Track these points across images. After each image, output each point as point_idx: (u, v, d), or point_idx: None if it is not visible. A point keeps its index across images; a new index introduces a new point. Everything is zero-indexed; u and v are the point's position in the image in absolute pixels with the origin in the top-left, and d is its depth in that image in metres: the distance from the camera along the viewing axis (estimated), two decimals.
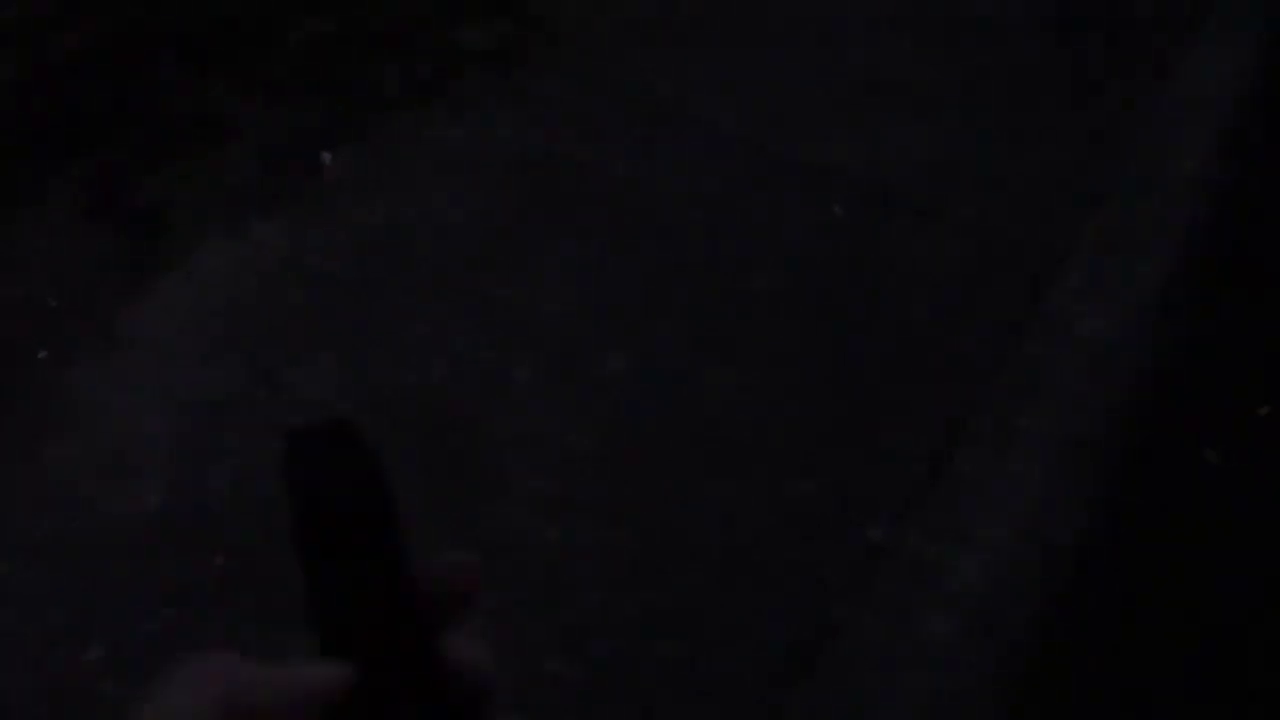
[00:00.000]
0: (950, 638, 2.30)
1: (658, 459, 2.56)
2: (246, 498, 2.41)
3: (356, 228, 3.06)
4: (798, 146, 3.41)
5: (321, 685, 0.49)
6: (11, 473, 2.47)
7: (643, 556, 2.38)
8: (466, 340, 2.78)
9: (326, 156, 3.20)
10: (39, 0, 3.63)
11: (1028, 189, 3.34)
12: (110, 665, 2.15)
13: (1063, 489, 2.60)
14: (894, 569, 2.40)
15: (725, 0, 3.99)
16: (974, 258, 3.11)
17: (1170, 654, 2.30)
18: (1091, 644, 2.30)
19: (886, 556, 2.41)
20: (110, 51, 3.51)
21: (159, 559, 2.32)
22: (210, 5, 3.73)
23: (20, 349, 2.71)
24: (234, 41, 3.61)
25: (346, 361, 2.71)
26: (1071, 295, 3.05)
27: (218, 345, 2.74)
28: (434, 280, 2.93)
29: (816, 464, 2.57)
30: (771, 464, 2.57)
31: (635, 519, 2.44)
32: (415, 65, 3.59)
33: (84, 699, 2.11)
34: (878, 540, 2.44)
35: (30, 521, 2.38)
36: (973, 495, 2.56)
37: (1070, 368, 2.87)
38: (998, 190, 3.33)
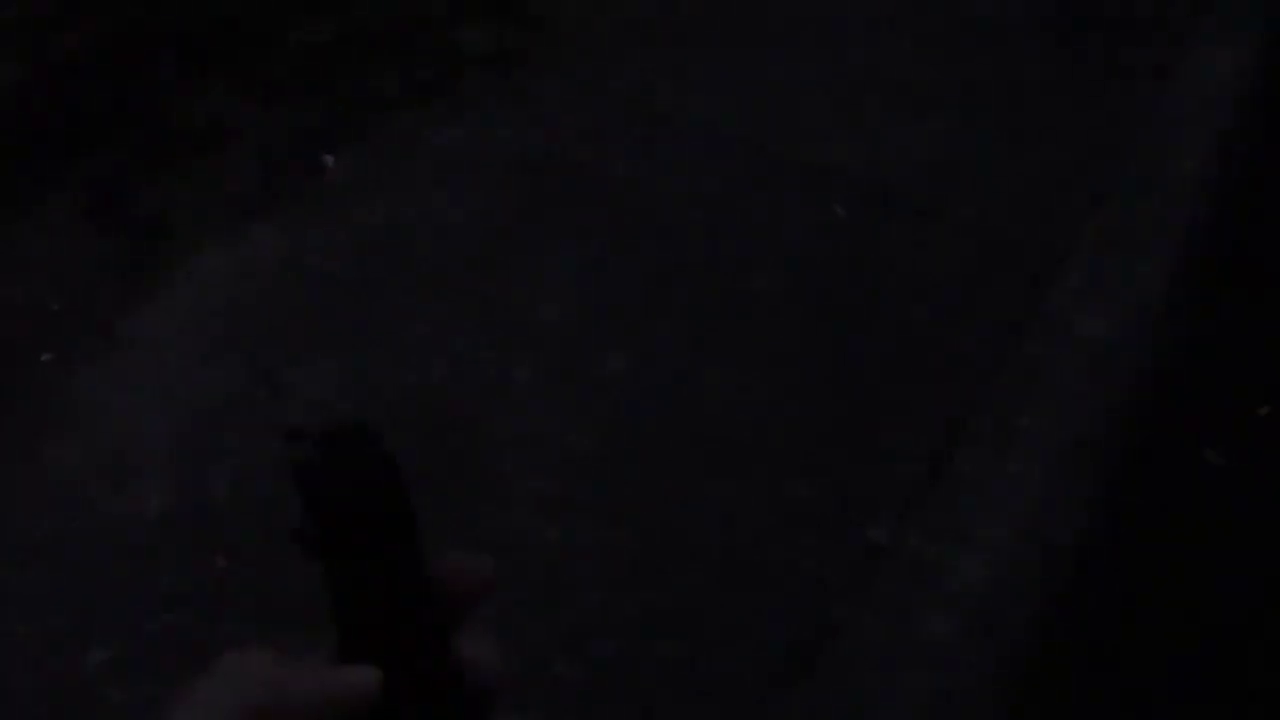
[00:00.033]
0: (950, 638, 2.30)
1: (658, 459, 2.56)
2: (247, 498, 2.41)
3: (356, 228, 3.06)
4: (798, 146, 3.41)
5: (351, 687, 0.50)
6: (12, 473, 2.47)
7: (643, 556, 2.38)
8: (466, 340, 2.79)
9: (329, 159, 3.20)
10: (39, 0, 3.63)
11: (1028, 189, 3.34)
12: (111, 667, 2.15)
13: (1063, 489, 2.60)
14: (894, 569, 2.40)
15: (725, 0, 3.99)
16: (974, 258, 3.11)
17: (1170, 654, 2.30)
18: (1091, 644, 2.30)
19: (886, 556, 2.41)
20: (110, 51, 3.51)
21: (159, 560, 2.32)
22: (210, 6, 3.73)
23: (21, 350, 2.71)
24: (234, 42, 3.62)
25: (346, 361, 2.71)
26: (1072, 295, 3.05)
27: (218, 345, 2.74)
28: (434, 280, 2.93)
29: (816, 464, 2.57)
30: (771, 464, 2.57)
31: (635, 519, 2.44)
32: (415, 66, 3.60)
33: (85, 701, 2.11)
34: (878, 540, 2.44)
35: (30, 522, 2.38)
36: (973, 495, 2.56)
37: (1070, 368, 2.87)
38: (998, 190, 3.33)
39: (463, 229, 3.08)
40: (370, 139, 3.32)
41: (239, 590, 2.26)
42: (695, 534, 2.43)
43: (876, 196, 3.27)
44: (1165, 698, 2.23)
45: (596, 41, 3.76)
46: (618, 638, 2.24)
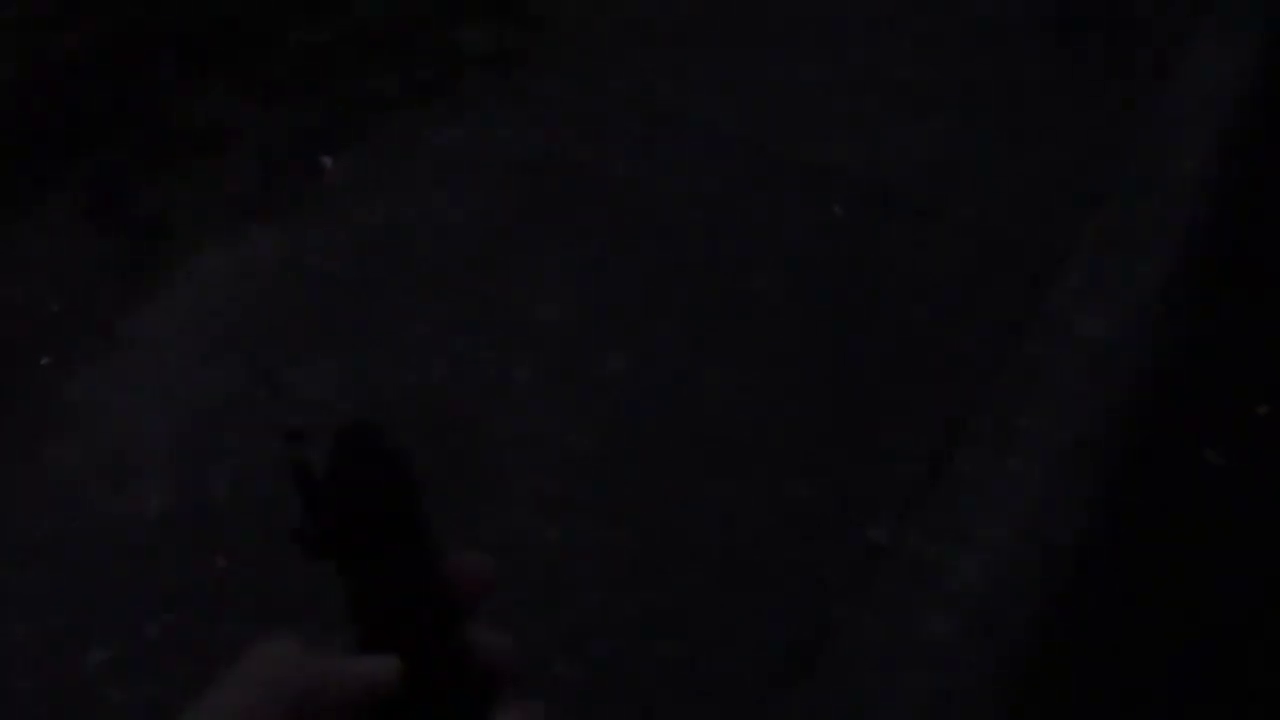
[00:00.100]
0: (950, 638, 2.30)
1: (658, 459, 2.56)
2: (247, 498, 2.41)
3: (356, 228, 3.06)
4: (798, 146, 3.41)
5: (373, 675, 0.53)
6: (12, 473, 2.47)
7: (643, 556, 2.38)
8: (466, 340, 2.79)
9: (327, 161, 3.20)
10: (39, 0, 3.63)
11: (1028, 189, 3.34)
12: (111, 667, 2.15)
13: (1063, 489, 2.60)
14: (894, 569, 2.40)
15: (725, 0, 3.99)
16: (974, 258, 3.11)
17: (1170, 654, 2.30)
18: (1091, 644, 2.30)
19: (886, 556, 2.41)
20: (110, 51, 3.51)
21: (159, 560, 2.32)
22: (210, 6, 3.73)
23: (21, 350, 2.71)
24: (234, 42, 3.62)
25: (346, 361, 2.71)
26: (1071, 295, 3.05)
27: (218, 346, 2.74)
28: (434, 280, 2.93)
29: (816, 464, 2.57)
30: (771, 464, 2.57)
31: (635, 519, 2.44)
32: (415, 66, 3.60)
33: (85, 701, 2.11)
34: (878, 540, 2.44)
35: (30, 522, 2.38)
36: (973, 495, 2.56)
37: (1070, 368, 2.87)
38: (998, 190, 3.33)
39: (463, 229, 3.08)
40: (370, 139, 3.32)
41: (239, 590, 2.26)
42: (695, 534, 2.43)
43: (876, 196, 3.27)
44: (1165, 698, 2.23)
45: (596, 41, 3.76)
46: (617, 638, 2.24)
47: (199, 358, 2.71)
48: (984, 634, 2.32)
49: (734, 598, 2.33)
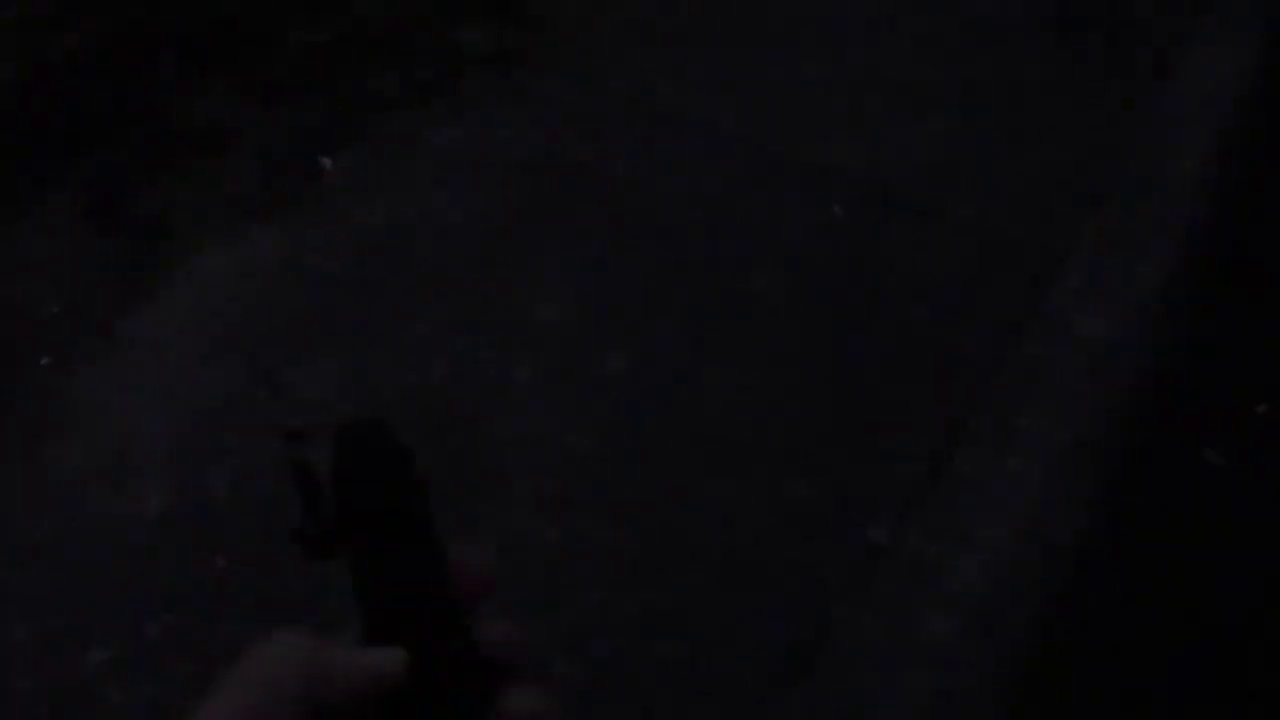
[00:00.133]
0: (950, 638, 2.30)
1: (658, 459, 2.56)
2: (247, 498, 2.41)
3: (356, 228, 3.06)
4: (798, 146, 3.41)
5: (381, 666, 0.54)
6: (12, 473, 2.47)
7: (643, 556, 2.38)
8: (466, 340, 2.79)
9: (326, 161, 3.20)
10: (39, 0, 3.63)
11: (1028, 189, 3.34)
12: (111, 667, 2.15)
13: (1063, 489, 2.60)
14: (894, 569, 2.40)
15: (725, 0, 3.99)
16: (974, 258, 3.11)
17: (1170, 654, 2.30)
18: (1091, 644, 2.30)
19: (886, 556, 2.41)
20: (110, 51, 3.51)
21: (159, 560, 2.32)
22: (210, 6, 3.73)
23: (21, 350, 2.71)
24: (234, 42, 3.62)
25: (346, 361, 2.71)
26: (1071, 295, 3.05)
27: (218, 346, 2.74)
28: (434, 280, 2.93)
29: (816, 464, 2.57)
30: (771, 464, 2.57)
31: (635, 519, 2.44)
32: (415, 66, 3.60)
33: (85, 701, 2.11)
34: (878, 540, 2.44)
35: (30, 522, 2.38)
36: (973, 495, 2.56)
37: (1070, 368, 2.87)
38: (998, 190, 3.33)
39: (463, 229, 3.08)
40: (370, 139, 3.32)
41: (239, 590, 2.26)
42: (695, 534, 2.43)
43: (876, 196, 3.27)
44: (1165, 698, 2.23)
45: (596, 41, 3.76)
46: (617, 638, 2.24)
47: (199, 358, 2.71)
48: (984, 634, 2.32)
49: (734, 598, 2.33)
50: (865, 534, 2.45)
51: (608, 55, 3.71)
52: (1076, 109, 3.66)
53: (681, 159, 3.34)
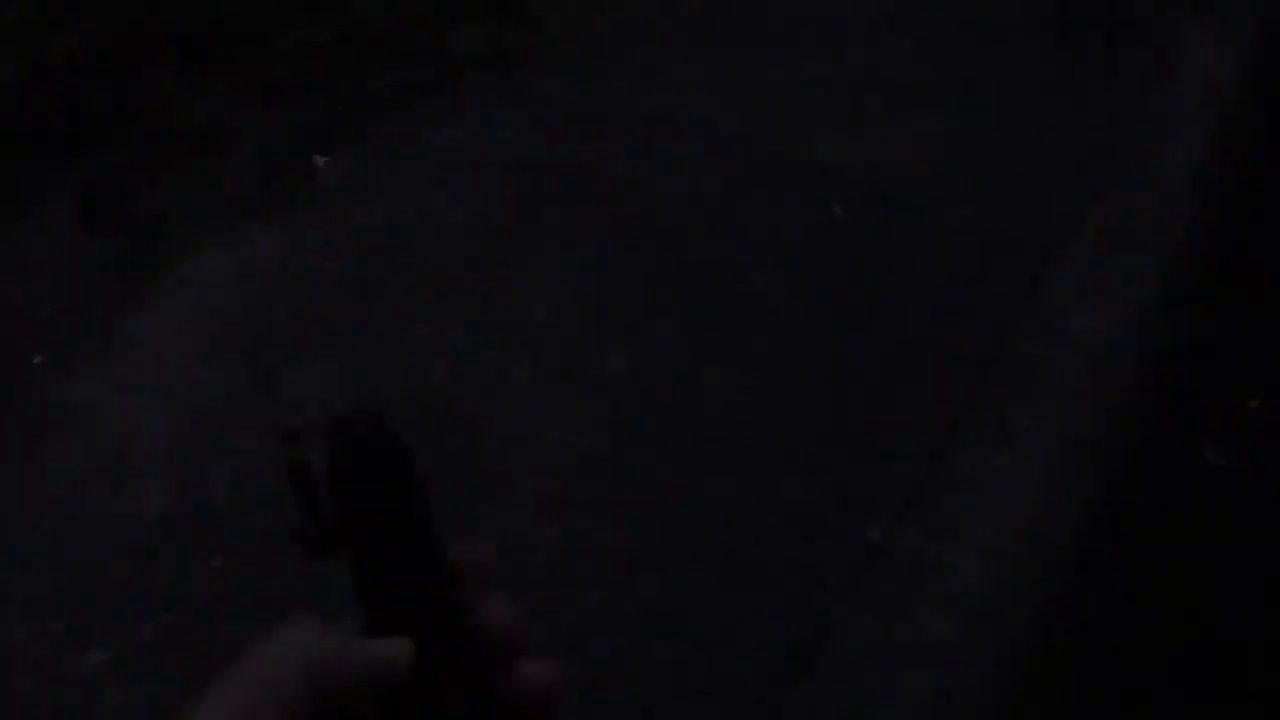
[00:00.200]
0: (950, 638, 2.30)
1: (658, 459, 2.56)
2: (246, 498, 2.41)
3: (356, 228, 3.06)
4: (798, 146, 3.41)
5: (388, 657, 0.54)
6: (12, 473, 2.47)
7: (643, 556, 2.38)
8: (466, 340, 2.79)
9: (320, 160, 3.20)
10: (39, 0, 3.63)
11: (1027, 188, 3.34)
12: (111, 667, 2.15)
13: (1063, 489, 2.60)
14: (894, 569, 2.40)
15: (725, 0, 3.99)
16: (973, 257, 3.11)
17: (1170, 654, 2.30)
18: (1091, 644, 2.30)
19: (886, 556, 2.41)
20: (110, 51, 3.51)
21: (159, 560, 2.32)
22: (210, 6, 3.73)
23: (20, 350, 2.71)
24: (233, 43, 3.62)
25: (346, 361, 2.71)
26: (1071, 294, 3.05)
27: (218, 346, 2.74)
28: (434, 280, 2.93)
29: (816, 464, 2.57)
30: (771, 464, 2.57)
31: (635, 519, 2.44)
32: (415, 66, 3.60)
33: (85, 701, 2.11)
34: (877, 540, 2.44)
35: (30, 523, 2.38)
36: (972, 495, 2.56)
37: (1069, 367, 2.87)
38: (997, 190, 3.33)
39: (462, 229, 3.08)
40: (370, 139, 3.32)
41: (238, 590, 2.26)
42: (695, 534, 2.42)
43: (876, 196, 3.27)
44: (1165, 698, 2.23)
45: (596, 41, 3.76)
46: (617, 638, 2.24)
47: (199, 358, 2.71)
48: (984, 634, 2.32)
49: (734, 598, 2.32)
50: (865, 534, 2.45)
51: (607, 55, 3.71)
52: (1076, 109, 3.66)
53: (681, 159, 3.34)
